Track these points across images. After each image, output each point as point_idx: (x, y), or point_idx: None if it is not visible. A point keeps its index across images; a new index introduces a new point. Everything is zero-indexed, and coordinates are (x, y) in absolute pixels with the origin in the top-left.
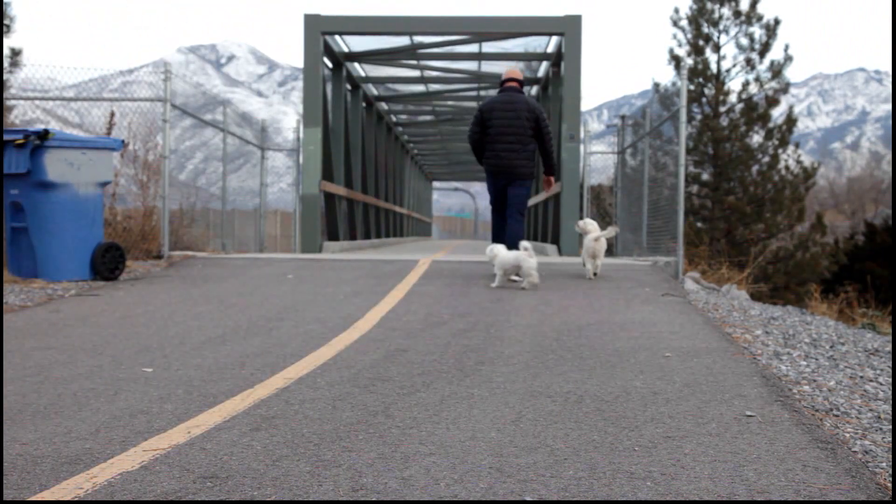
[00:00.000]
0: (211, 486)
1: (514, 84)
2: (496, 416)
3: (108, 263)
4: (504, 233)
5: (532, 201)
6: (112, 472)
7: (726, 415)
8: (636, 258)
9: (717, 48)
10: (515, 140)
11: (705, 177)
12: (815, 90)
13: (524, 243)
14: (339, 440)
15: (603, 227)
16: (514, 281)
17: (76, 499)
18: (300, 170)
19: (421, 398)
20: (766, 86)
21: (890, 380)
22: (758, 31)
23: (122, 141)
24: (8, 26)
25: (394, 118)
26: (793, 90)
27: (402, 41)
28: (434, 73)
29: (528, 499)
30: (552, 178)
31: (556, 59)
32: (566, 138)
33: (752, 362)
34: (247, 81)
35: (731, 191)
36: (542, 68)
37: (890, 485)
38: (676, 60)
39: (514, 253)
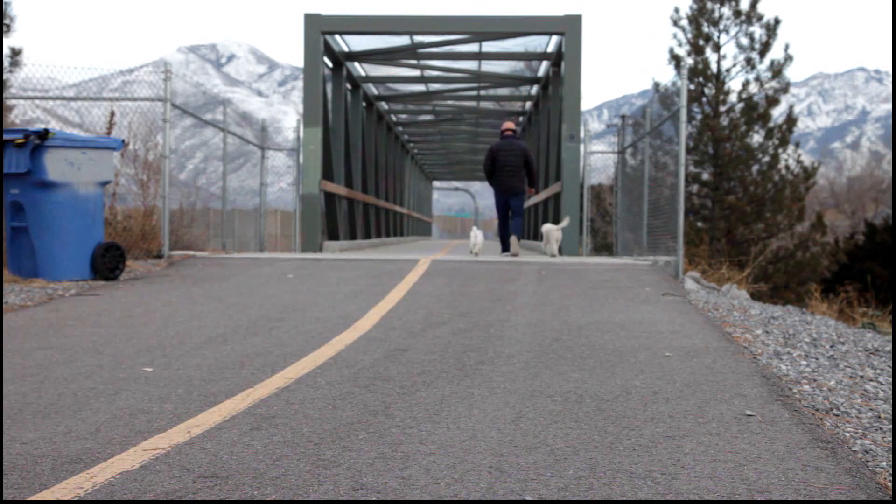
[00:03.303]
0: (211, 486)
1: (510, 133)
2: (496, 415)
3: (108, 263)
4: (507, 227)
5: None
6: (112, 472)
7: (726, 414)
8: (636, 258)
9: (717, 48)
10: (513, 170)
11: (705, 176)
12: (816, 90)
13: (475, 228)
14: (340, 440)
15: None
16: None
17: (76, 499)
18: (300, 169)
19: (421, 398)
20: (767, 85)
21: (890, 379)
22: (758, 31)
23: (123, 140)
24: (8, 26)
25: (394, 118)
26: (793, 90)
27: (403, 41)
28: (434, 73)
29: (528, 498)
30: (533, 189)
31: (556, 58)
32: (566, 138)
33: (752, 362)
34: (247, 81)
35: (732, 190)
36: (543, 68)
37: (890, 484)
38: (676, 60)
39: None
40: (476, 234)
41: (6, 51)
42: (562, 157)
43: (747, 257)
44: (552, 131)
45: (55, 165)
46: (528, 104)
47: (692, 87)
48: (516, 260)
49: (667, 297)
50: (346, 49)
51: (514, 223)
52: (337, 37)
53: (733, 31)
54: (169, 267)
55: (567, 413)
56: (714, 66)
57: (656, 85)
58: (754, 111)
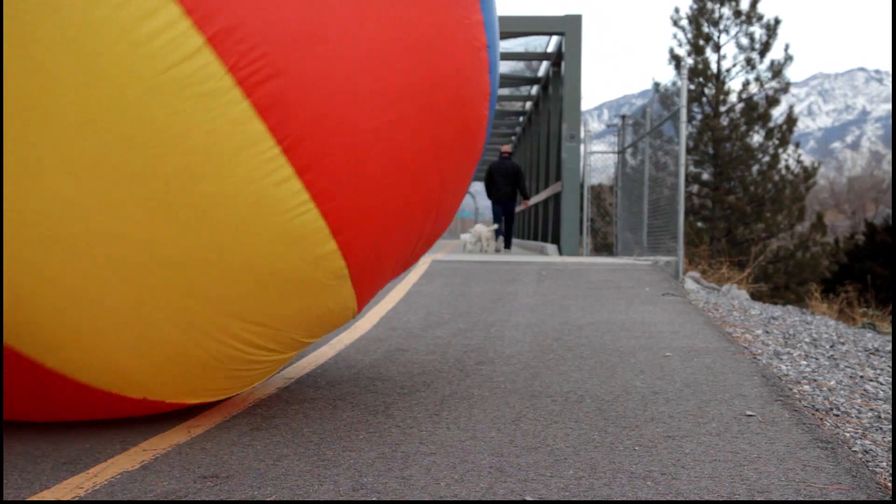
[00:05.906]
0: (211, 486)
1: (506, 155)
2: (496, 415)
3: None
4: (501, 224)
5: (532, 200)
6: (112, 472)
7: (726, 414)
8: (636, 258)
9: (717, 48)
10: (507, 184)
11: (705, 176)
12: (816, 90)
13: (470, 231)
14: (340, 440)
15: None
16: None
17: (76, 498)
18: None
19: (421, 398)
20: (767, 85)
21: (890, 379)
22: (758, 31)
23: None
24: None
25: None
26: (793, 90)
27: None
28: None
29: (528, 498)
30: (527, 201)
31: (556, 58)
32: (566, 138)
33: (752, 362)
34: None
35: (732, 190)
36: (543, 68)
37: (890, 484)
38: (677, 60)
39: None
40: (470, 234)
41: None
42: (562, 157)
43: (747, 257)
44: (552, 131)
45: None
46: (528, 104)
47: (692, 87)
48: (516, 260)
49: (667, 298)
50: None
51: (507, 226)
52: None
53: (733, 31)
54: None
55: (567, 413)
56: (714, 66)
57: (656, 85)
58: (754, 111)
